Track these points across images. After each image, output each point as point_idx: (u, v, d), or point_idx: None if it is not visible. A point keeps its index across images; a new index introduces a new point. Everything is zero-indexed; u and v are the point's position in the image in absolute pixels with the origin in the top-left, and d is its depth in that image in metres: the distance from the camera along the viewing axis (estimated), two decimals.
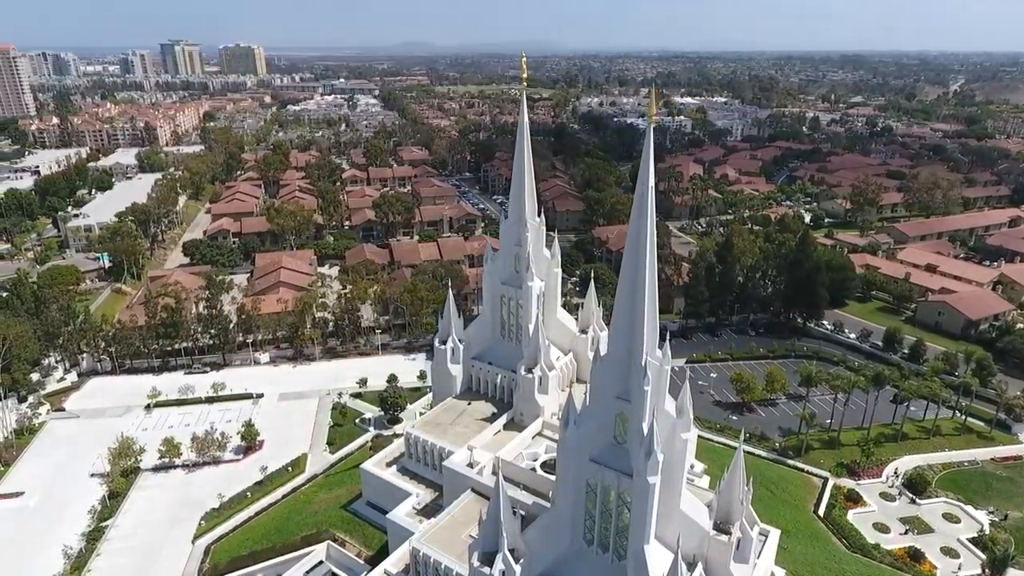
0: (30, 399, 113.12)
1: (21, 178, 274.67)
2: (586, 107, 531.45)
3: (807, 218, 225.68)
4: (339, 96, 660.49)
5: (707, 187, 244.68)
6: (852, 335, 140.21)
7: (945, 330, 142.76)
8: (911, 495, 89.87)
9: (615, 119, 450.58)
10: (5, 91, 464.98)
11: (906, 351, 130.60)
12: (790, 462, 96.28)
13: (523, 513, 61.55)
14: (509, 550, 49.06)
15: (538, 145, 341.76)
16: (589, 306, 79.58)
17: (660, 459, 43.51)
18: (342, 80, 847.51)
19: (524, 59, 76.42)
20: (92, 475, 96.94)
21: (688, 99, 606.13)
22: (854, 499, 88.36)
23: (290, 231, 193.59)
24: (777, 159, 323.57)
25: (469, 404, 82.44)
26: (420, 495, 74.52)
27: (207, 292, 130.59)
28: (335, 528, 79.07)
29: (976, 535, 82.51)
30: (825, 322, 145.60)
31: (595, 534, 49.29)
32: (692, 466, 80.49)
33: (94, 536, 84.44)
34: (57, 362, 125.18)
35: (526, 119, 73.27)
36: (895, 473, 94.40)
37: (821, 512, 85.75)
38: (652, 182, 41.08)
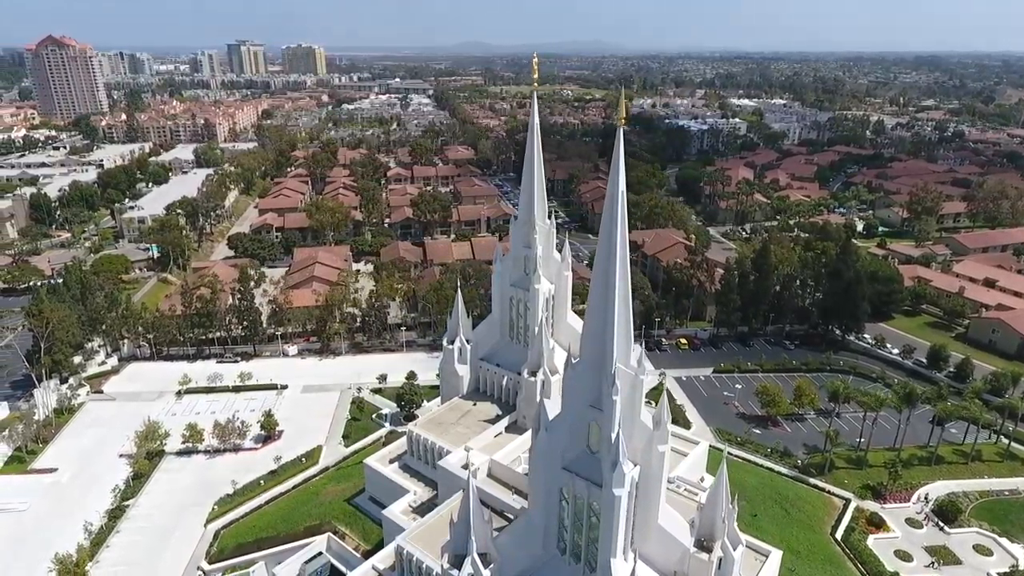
0: (71, 380, 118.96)
1: (86, 171, 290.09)
2: (638, 108, 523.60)
3: (860, 226, 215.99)
4: (393, 96, 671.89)
5: (754, 192, 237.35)
6: (894, 350, 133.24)
7: (999, 349, 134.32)
8: (940, 523, 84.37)
9: (666, 120, 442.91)
10: (81, 88, 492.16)
11: (952, 369, 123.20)
12: (811, 480, 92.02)
13: (512, 516, 61.02)
14: (480, 554, 48.50)
15: (585, 147, 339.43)
16: None
17: (628, 471, 42.19)
18: (398, 80, 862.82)
19: (536, 60, 75.87)
20: (121, 455, 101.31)
21: (745, 101, 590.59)
22: (877, 523, 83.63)
23: (328, 227, 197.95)
24: (834, 164, 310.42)
25: (475, 405, 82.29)
26: (418, 493, 74.79)
27: (239, 285, 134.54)
28: (337, 520, 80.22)
29: (1008, 570, 76.92)
30: (866, 336, 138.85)
31: (568, 543, 48.20)
32: (702, 479, 78.30)
33: (115, 514, 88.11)
34: (100, 347, 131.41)
35: (536, 120, 72.52)
36: (925, 498, 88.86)
37: (839, 535, 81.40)
38: (623, 186, 39.91)
